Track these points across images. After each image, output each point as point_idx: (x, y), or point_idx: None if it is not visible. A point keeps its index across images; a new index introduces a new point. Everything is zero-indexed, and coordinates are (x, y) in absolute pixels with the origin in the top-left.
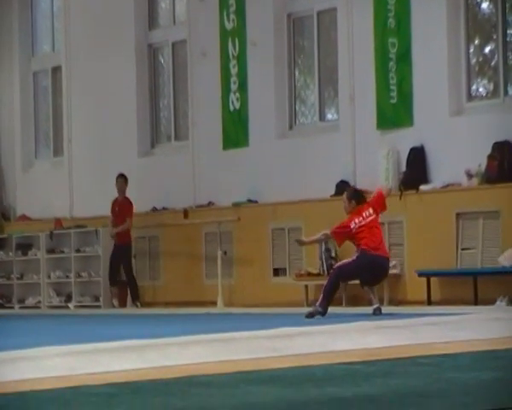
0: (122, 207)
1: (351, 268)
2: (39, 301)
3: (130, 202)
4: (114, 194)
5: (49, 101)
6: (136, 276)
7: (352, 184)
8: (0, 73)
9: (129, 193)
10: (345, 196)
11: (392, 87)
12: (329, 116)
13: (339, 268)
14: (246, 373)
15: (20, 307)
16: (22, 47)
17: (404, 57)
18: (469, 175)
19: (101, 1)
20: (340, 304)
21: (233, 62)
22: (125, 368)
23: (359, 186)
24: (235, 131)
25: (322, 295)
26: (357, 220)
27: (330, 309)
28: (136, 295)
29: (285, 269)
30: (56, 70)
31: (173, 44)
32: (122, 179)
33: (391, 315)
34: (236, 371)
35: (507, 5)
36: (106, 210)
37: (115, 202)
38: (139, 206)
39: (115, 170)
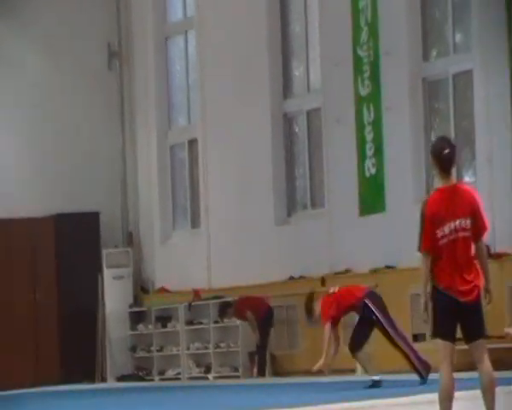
0: None
1: None
2: (179, 373)
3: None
4: (252, 262)
5: (186, 173)
6: (273, 344)
7: (491, 247)
8: (139, 146)
9: (266, 262)
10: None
11: None
12: (467, 179)
13: None
14: None
15: (161, 379)
16: (159, 121)
17: None
18: None
19: (237, 71)
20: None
21: (368, 128)
22: None
23: (499, 248)
24: (372, 196)
25: None
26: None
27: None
28: (262, 368)
29: (424, 334)
30: (192, 142)
31: (308, 113)
32: None
33: None
34: None
35: None
36: (244, 280)
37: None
38: (276, 275)
39: (253, 239)
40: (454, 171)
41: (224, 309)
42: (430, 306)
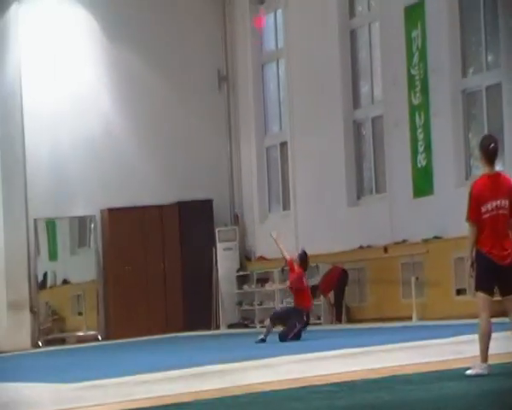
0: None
1: None
2: None
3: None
4: (330, 235)
5: (278, 168)
6: (348, 298)
7: None
8: (242, 148)
9: (340, 234)
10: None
11: None
12: (497, 168)
13: None
14: (438, 372)
15: (261, 327)
16: (257, 128)
17: None
18: None
19: (317, 89)
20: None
21: (419, 130)
22: (342, 371)
23: None
24: (423, 182)
25: None
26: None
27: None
28: (339, 317)
29: (465, 289)
30: (283, 145)
31: (372, 119)
32: None
33: None
34: (430, 370)
35: None
36: (325, 249)
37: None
38: (349, 245)
39: (330, 217)
40: (497, 162)
41: (314, 292)
42: (475, 266)
